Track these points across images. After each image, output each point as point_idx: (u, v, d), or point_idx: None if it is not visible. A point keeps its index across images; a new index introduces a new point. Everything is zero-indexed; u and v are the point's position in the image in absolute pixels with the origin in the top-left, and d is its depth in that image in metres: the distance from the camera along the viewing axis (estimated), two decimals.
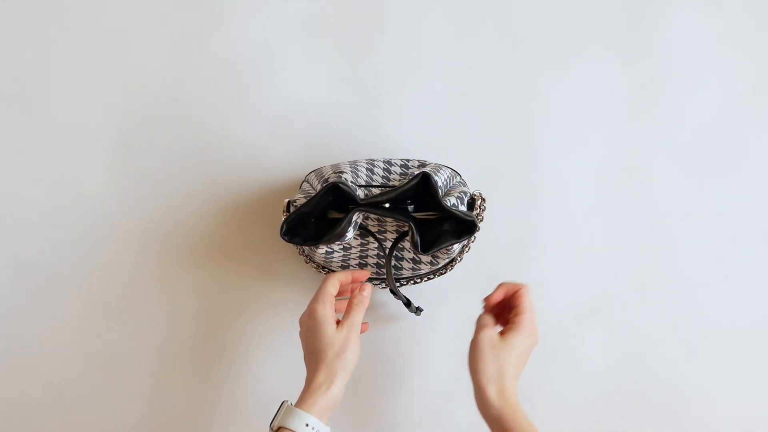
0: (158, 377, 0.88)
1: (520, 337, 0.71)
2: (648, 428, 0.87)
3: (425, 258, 0.78)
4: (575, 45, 0.88)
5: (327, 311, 0.73)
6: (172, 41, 0.88)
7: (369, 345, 0.85)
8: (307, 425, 0.68)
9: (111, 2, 0.89)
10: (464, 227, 0.73)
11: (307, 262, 0.83)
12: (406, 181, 0.74)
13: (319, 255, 0.78)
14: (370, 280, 0.82)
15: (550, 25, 0.87)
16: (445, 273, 0.82)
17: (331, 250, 0.78)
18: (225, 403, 0.88)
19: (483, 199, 0.78)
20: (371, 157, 0.82)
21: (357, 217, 0.74)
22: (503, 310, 0.75)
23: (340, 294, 0.77)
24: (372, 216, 0.78)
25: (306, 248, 0.81)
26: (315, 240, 0.74)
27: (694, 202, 0.87)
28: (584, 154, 0.87)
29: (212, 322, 0.88)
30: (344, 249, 0.79)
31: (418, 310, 0.82)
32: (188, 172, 0.88)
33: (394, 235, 0.78)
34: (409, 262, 0.79)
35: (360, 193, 0.75)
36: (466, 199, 0.77)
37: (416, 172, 0.75)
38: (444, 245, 0.72)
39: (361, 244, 0.79)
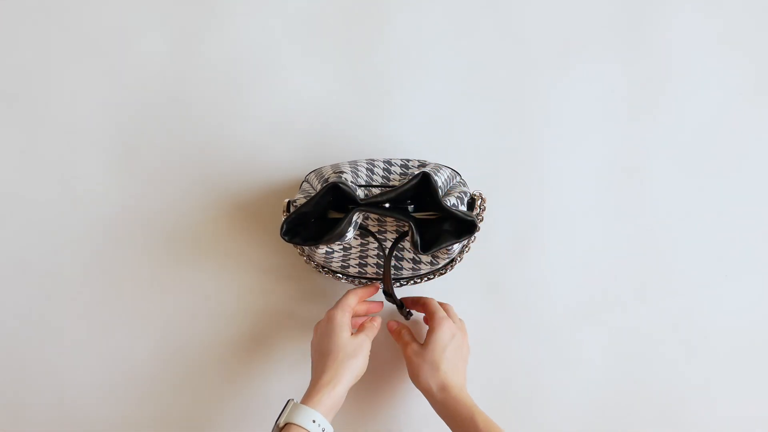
0: (158, 377, 0.88)
1: (437, 334, 0.77)
2: (648, 428, 0.87)
3: (425, 258, 0.78)
4: (575, 45, 0.88)
5: (345, 319, 0.77)
6: (172, 41, 0.88)
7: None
8: (314, 421, 0.69)
9: (111, 2, 0.89)
10: (464, 227, 0.73)
11: (307, 262, 0.83)
12: (406, 181, 0.74)
13: (319, 255, 0.78)
14: (370, 279, 0.82)
15: (550, 25, 0.88)
16: (445, 273, 0.82)
17: (331, 250, 0.78)
18: (225, 402, 0.88)
19: (483, 199, 0.78)
20: (371, 157, 0.82)
21: (357, 217, 0.74)
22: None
23: (355, 315, 0.81)
24: (372, 216, 0.78)
25: (306, 248, 0.81)
26: (315, 240, 0.74)
27: (694, 202, 0.87)
28: (584, 154, 0.87)
29: (212, 322, 0.88)
30: (344, 249, 0.79)
31: (408, 314, 0.82)
32: (188, 172, 0.88)
33: (394, 235, 0.78)
34: (409, 262, 0.79)
35: (360, 193, 0.75)
36: (466, 199, 0.77)
37: (416, 172, 0.75)
38: (444, 245, 0.72)
39: (361, 244, 0.79)
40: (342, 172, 0.76)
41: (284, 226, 0.74)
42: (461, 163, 0.85)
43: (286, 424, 0.69)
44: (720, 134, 0.87)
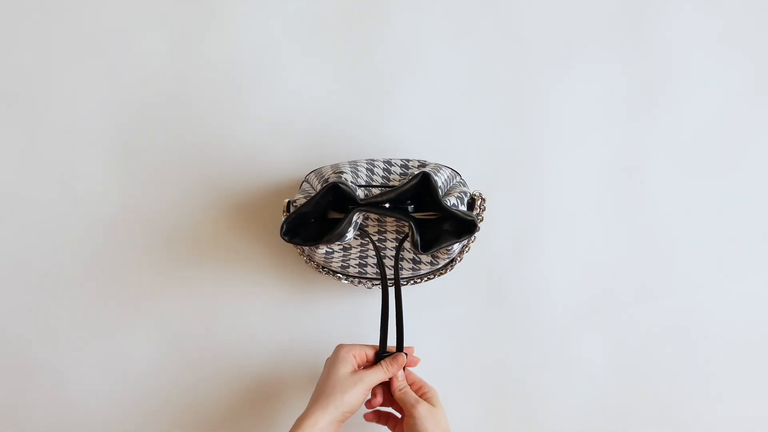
0: (158, 377, 0.88)
1: (438, 400, 0.76)
2: (648, 428, 0.87)
3: (425, 258, 0.78)
4: (575, 45, 0.88)
5: (348, 355, 0.75)
6: (172, 41, 0.88)
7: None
8: None
9: (111, 2, 0.89)
10: (464, 227, 0.73)
11: (307, 262, 0.83)
12: (406, 181, 0.74)
13: (319, 255, 0.78)
14: (370, 279, 0.82)
15: (550, 25, 0.87)
16: (445, 273, 0.82)
17: (331, 251, 0.78)
18: (225, 403, 0.88)
19: (483, 199, 0.78)
20: (371, 157, 0.82)
21: (357, 217, 0.74)
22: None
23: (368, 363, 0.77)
24: (372, 216, 0.78)
25: (306, 248, 0.81)
26: (315, 240, 0.74)
27: (694, 202, 0.87)
28: (584, 154, 0.87)
29: (212, 322, 0.88)
30: (344, 249, 0.79)
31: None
32: (188, 172, 0.88)
33: (394, 236, 0.78)
34: (409, 262, 0.79)
35: (360, 193, 0.75)
36: (466, 199, 0.77)
37: (416, 172, 0.75)
38: (444, 245, 0.72)
39: (361, 245, 0.79)
40: (342, 172, 0.76)
41: (284, 226, 0.74)
42: (461, 163, 0.85)
43: None
44: (720, 134, 0.87)
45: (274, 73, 0.88)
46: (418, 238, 0.72)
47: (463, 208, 0.76)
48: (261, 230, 0.87)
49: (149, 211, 0.88)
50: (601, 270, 0.87)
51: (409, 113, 0.88)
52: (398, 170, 0.78)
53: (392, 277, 0.78)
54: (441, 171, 0.78)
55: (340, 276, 0.82)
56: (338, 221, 0.73)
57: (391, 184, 0.77)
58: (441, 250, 0.75)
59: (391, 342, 0.79)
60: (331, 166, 0.79)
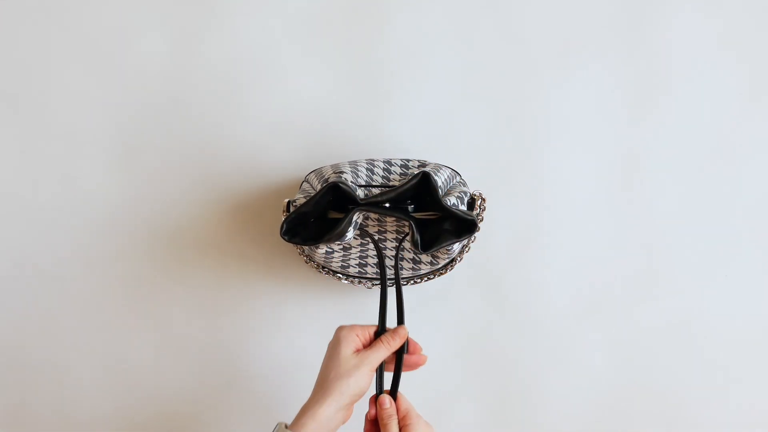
0: (158, 377, 0.88)
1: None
2: (648, 428, 0.87)
3: (425, 258, 0.78)
4: (575, 45, 0.88)
5: (351, 335, 0.72)
6: (172, 41, 0.88)
7: None
8: None
9: (111, 2, 0.89)
10: (464, 226, 0.73)
11: (307, 262, 0.83)
12: (406, 180, 0.74)
13: (319, 255, 0.78)
14: (370, 279, 0.82)
15: (550, 25, 0.87)
16: (445, 273, 0.82)
17: (331, 250, 0.78)
18: (225, 403, 0.88)
19: (483, 199, 0.78)
20: (371, 157, 0.82)
21: (357, 217, 0.74)
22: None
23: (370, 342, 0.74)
24: (372, 216, 0.78)
25: (306, 248, 0.81)
26: (315, 240, 0.74)
27: (694, 202, 0.87)
28: (584, 154, 0.87)
29: (212, 322, 0.88)
30: (344, 249, 0.79)
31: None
32: (188, 172, 0.88)
33: (394, 236, 0.78)
34: (409, 262, 0.79)
35: (360, 193, 0.75)
36: (466, 199, 0.77)
37: (416, 172, 0.75)
38: (444, 244, 0.72)
39: (361, 245, 0.79)
40: (342, 172, 0.76)
41: (284, 226, 0.74)
42: (461, 163, 0.85)
43: None
44: (720, 134, 0.87)
45: (274, 73, 0.88)
46: (418, 237, 0.72)
47: (463, 207, 0.76)
48: (261, 230, 0.87)
49: (149, 211, 0.88)
50: (601, 270, 0.87)
51: (408, 113, 0.88)
52: (398, 170, 0.78)
53: (392, 276, 0.78)
54: (441, 171, 0.78)
55: (340, 276, 0.82)
56: (338, 221, 0.73)
57: (391, 184, 0.77)
58: (441, 250, 0.75)
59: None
60: (331, 166, 0.79)
